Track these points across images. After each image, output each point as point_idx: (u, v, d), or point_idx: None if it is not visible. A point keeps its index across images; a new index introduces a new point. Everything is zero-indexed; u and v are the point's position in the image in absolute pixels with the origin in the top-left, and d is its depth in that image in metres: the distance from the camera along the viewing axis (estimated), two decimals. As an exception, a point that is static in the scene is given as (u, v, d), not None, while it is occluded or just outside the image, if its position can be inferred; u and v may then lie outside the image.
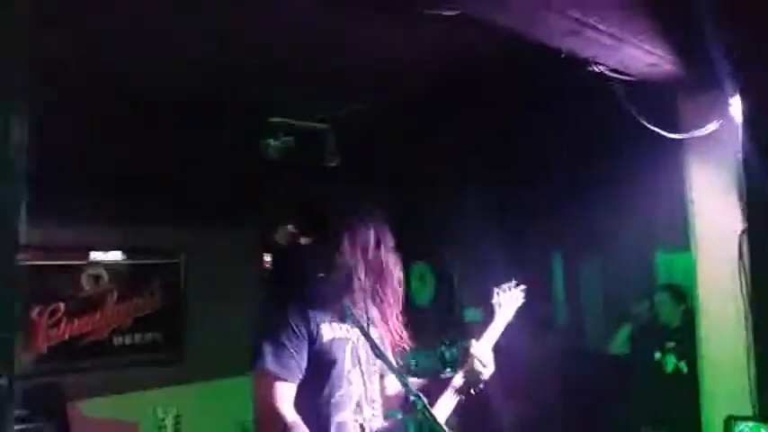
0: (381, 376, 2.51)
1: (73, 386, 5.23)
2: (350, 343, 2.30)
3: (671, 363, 4.85)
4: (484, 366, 2.46)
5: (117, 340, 5.64)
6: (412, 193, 6.11)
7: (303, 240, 2.20)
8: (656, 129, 3.01)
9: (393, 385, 2.58)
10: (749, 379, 2.70)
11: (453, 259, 6.74)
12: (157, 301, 5.91)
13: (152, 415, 5.47)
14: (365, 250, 2.31)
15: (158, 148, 4.59)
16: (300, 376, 2.21)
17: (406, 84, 4.02)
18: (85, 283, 5.47)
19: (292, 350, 2.19)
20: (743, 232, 2.73)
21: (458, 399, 2.43)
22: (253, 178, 4.95)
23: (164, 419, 5.54)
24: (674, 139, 3.40)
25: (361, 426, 2.28)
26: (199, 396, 5.74)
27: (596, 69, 2.86)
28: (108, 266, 5.62)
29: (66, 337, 5.33)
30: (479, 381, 2.45)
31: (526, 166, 5.48)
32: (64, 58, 3.11)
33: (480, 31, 2.75)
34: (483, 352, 2.49)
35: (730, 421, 2.98)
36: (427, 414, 1.94)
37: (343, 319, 2.30)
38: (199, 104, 3.97)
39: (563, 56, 2.79)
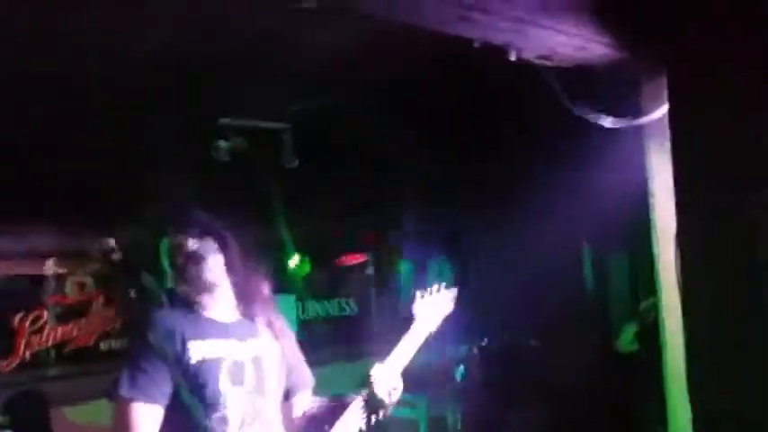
0: (287, 395, 2.36)
1: (60, 393, 5.22)
2: (226, 362, 2.15)
3: None
4: (388, 393, 2.24)
5: (104, 345, 5.62)
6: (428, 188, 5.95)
7: (115, 257, 2.03)
8: (588, 117, 2.76)
9: (301, 404, 2.42)
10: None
11: (472, 253, 6.53)
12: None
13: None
14: (203, 267, 2.18)
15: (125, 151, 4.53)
16: (164, 399, 2.08)
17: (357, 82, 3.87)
18: (70, 290, 5.46)
19: (150, 371, 2.06)
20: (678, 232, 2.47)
21: (361, 423, 2.24)
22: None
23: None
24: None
25: None
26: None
27: (514, 58, 2.62)
28: (93, 272, 5.59)
29: (50, 343, 5.33)
30: (382, 407, 2.25)
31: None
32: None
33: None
34: (387, 375, 2.27)
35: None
36: None
37: (220, 337, 2.17)
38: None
39: (476, 45, 2.59)
